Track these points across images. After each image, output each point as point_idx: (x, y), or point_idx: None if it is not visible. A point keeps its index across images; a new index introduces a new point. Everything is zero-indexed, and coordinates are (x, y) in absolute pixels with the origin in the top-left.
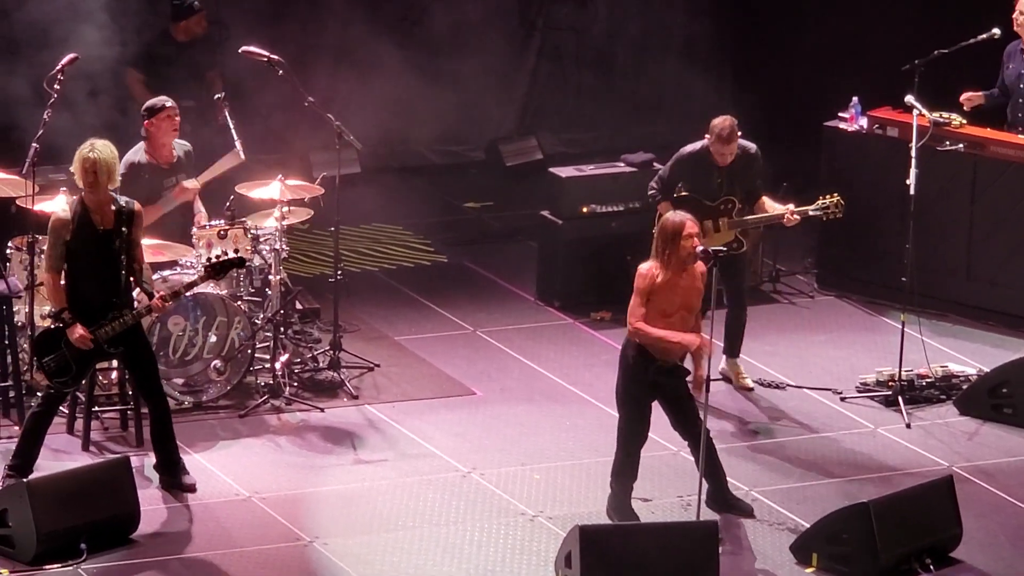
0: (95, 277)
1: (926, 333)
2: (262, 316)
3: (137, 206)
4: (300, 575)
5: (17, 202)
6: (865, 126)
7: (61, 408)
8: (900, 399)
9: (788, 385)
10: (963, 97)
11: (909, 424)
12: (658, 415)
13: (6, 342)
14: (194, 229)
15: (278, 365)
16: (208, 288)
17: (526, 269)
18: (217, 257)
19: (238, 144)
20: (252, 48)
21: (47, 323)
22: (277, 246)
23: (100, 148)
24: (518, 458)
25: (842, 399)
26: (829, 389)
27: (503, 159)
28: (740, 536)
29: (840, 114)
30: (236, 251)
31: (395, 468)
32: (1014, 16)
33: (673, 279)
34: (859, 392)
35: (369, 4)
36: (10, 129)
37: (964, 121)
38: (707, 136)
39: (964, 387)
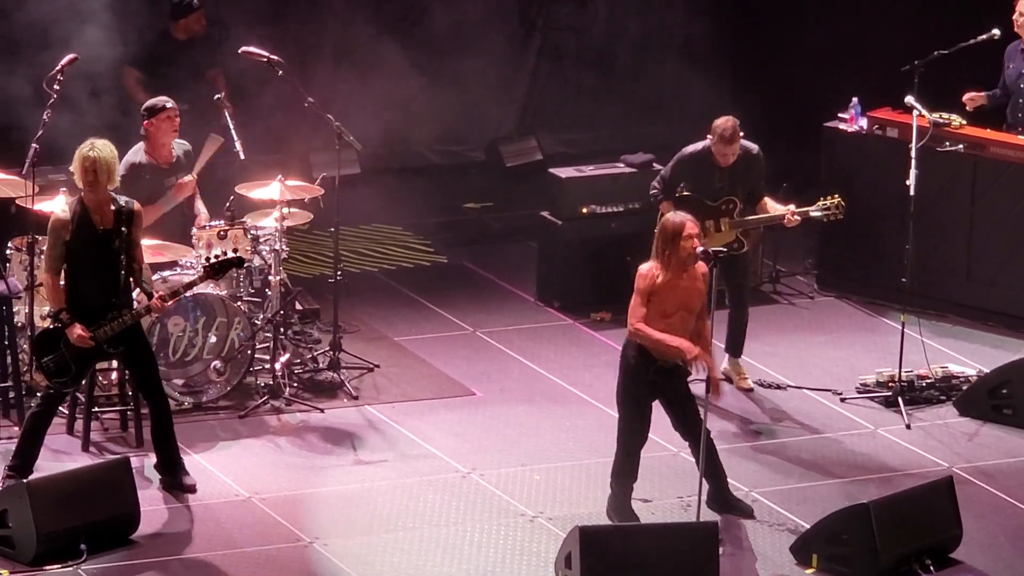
0: (95, 277)
1: (926, 334)
2: (262, 317)
3: (137, 206)
4: None
5: (17, 202)
6: (865, 127)
7: (61, 409)
8: (900, 400)
9: (788, 386)
10: (966, 97)
11: (909, 425)
12: (658, 416)
13: (6, 343)
14: (194, 229)
15: (278, 366)
16: (208, 289)
17: (526, 270)
18: (216, 257)
19: (238, 144)
20: (252, 48)
21: (47, 323)
22: (277, 246)
23: (100, 147)
24: (518, 459)
25: (842, 400)
26: (829, 390)
27: (503, 159)
28: (740, 537)
29: (840, 115)
30: (235, 251)
31: (395, 469)
32: (1014, 17)
33: (673, 280)
34: (859, 393)
35: (369, 4)
36: (11, 129)
37: (964, 122)
38: (709, 136)
39: (964, 388)
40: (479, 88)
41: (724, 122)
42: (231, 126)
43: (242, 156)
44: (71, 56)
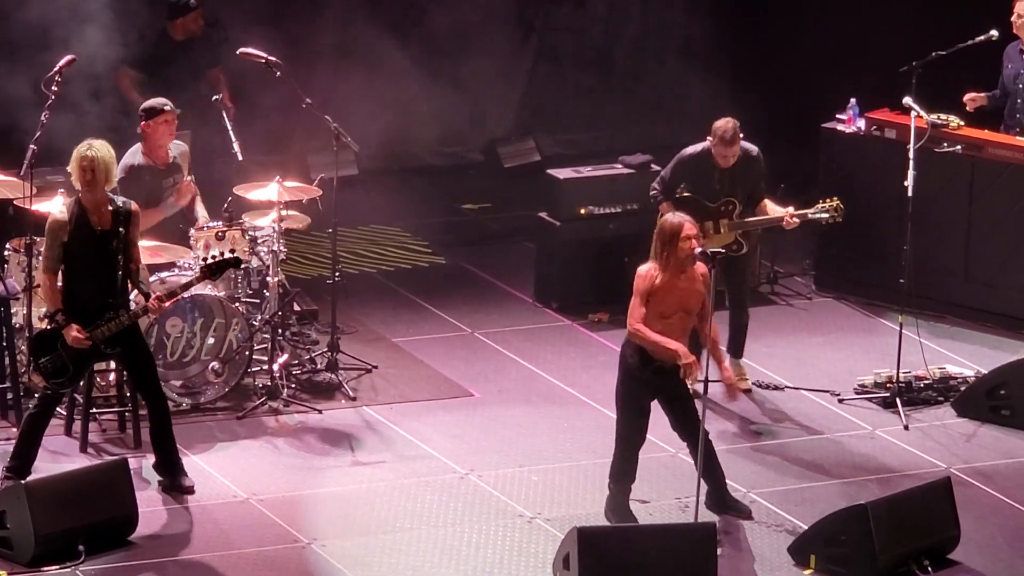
0: (92, 278)
1: (924, 335)
2: (260, 318)
3: (134, 206)
4: None
5: (15, 203)
6: (863, 128)
7: (59, 410)
8: (898, 401)
9: (786, 387)
10: (967, 98)
11: (907, 426)
12: (657, 416)
13: (4, 344)
14: (192, 231)
15: (276, 367)
16: (206, 290)
17: (524, 270)
18: (213, 258)
19: (236, 145)
20: (250, 50)
21: (44, 324)
22: (275, 247)
23: (98, 147)
24: (516, 460)
25: (840, 401)
26: (827, 391)
27: (501, 160)
28: (738, 538)
29: (838, 115)
30: (232, 252)
31: (393, 470)
32: (1013, 19)
33: (672, 281)
34: (857, 394)
35: (367, 5)
36: (11, 131)
37: (962, 123)
38: (709, 138)
39: (962, 389)
40: (477, 89)
41: (724, 124)
42: (229, 127)
43: (240, 157)
44: (69, 57)
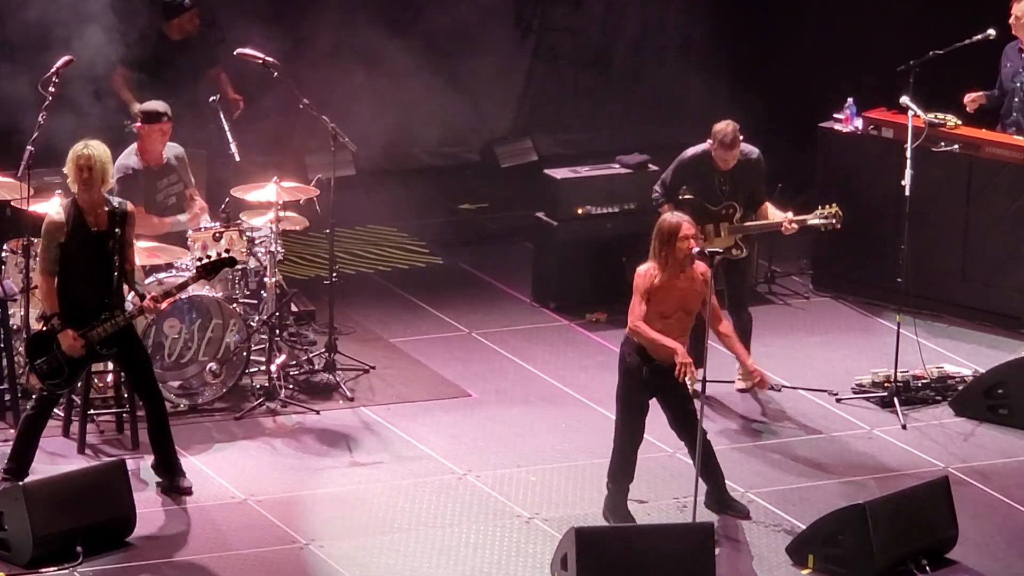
0: (89, 279)
1: (922, 334)
2: (257, 318)
3: (130, 207)
4: None
5: (12, 204)
6: (860, 127)
7: (57, 411)
8: (896, 400)
9: (784, 386)
10: (967, 99)
11: (905, 425)
12: (654, 416)
13: (2, 345)
14: (189, 231)
15: (273, 367)
16: (203, 291)
17: (521, 271)
18: (208, 257)
19: (233, 146)
20: (247, 50)
21: (40, 326)
22: (272, 248)
23: (94, 146)
24: (514, 460)
25: (838, 400)
26: (825, 390)
27: (498, 161)
28: (736, 538)
29: (835, 115)
30: (227, 251)
31: (390, 470)
32: (1011, 21)
33: (671, 281)
34: (855, 393)
35: (365, 6)
36: (10, 132)
37: (959, 122)
38: (709, 141)
39: (960, 388)
40: (475, 89)
41: (724, 127)
42: (226, 128)
43: (237, 158)
44: (66, 58)
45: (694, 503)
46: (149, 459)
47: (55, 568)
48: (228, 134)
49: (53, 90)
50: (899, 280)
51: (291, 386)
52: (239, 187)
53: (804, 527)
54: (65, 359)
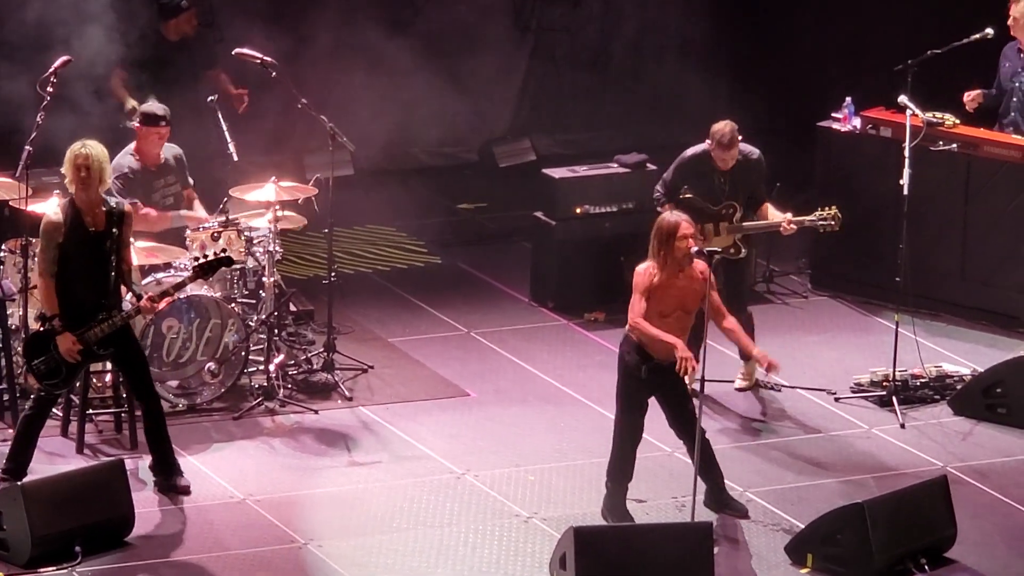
0: (86, 279)
1: (920, 333)
2: (256, 318)
3: (127, 207)
4: None
5: (10, 204)
6: (858, 126)
7: (55, 411)
8: (894, 399)
9: (782, 386)
10: (966, 98)
11: (903, 424)
12: (653, 416)
13: (0, 345)
14: (187, 231)
15: (272, 367)
16: (202, 291)
17: (520, 270)
18: (205, 257)
19: (231, 146)
20: (246, 50)
21: (38, 326)
22: (271, 248)
23: (92, 146)
24: (512, 459)
25: (836, 399)
26: (823, 390)
27: (497, 160)
28: (735, 537)
29: (833, 114)
30: (223, 251)
31: (389, 470)
32: (1009, 23)
33: (670, 280)
34: (853, 392)
35: (363, 6)
36: (10, 132)
37: (957, 121)
38: (708, 141)
39: (958, 387)
40: (473, 89)
41: (722, 127)
42: (224, 128)
43: (235, 158)
44: (64, 58)
45: (693, 502)
46: (148, 459)
47: (54, 568)
48: (226, 134)
49: (51, 90)
50: (898, 279)
51: (290, 386)
52: (238, 187)
53: (803, 526)
54: (62, 359)
